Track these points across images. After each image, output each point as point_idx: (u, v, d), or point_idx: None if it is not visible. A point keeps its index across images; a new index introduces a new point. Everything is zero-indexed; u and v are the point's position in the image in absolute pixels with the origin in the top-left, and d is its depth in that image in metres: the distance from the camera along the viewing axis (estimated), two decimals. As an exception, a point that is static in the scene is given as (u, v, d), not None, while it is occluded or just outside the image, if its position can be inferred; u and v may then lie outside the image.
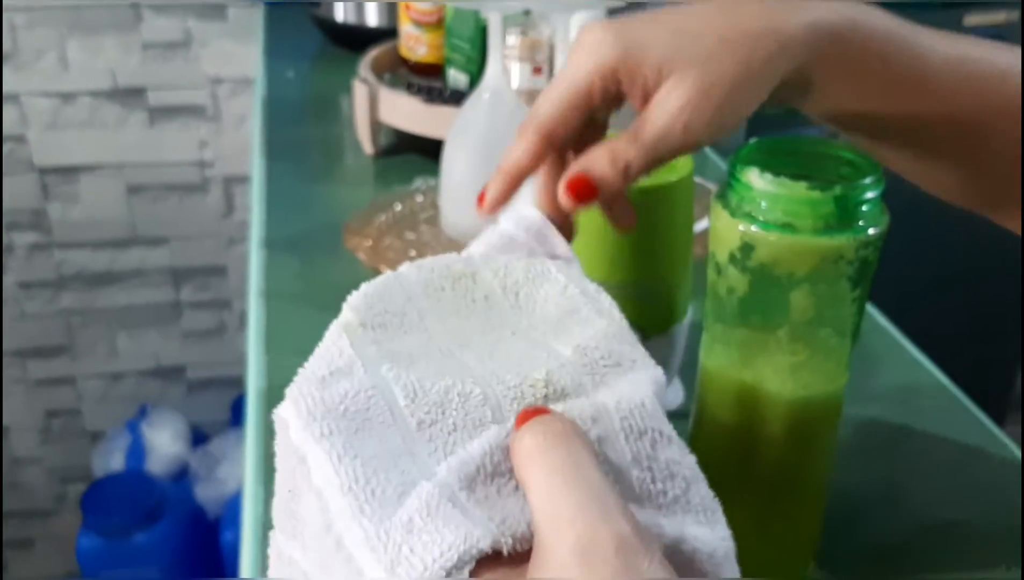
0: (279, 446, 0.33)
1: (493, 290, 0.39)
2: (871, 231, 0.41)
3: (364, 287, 0.37)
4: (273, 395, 0.62)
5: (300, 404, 0.32)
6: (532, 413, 0.30)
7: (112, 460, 1.64)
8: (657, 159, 0.41)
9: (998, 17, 1.27)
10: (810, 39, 0.41)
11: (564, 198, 0.41)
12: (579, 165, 0.41)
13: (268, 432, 0.60)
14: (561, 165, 0.44)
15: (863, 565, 0.52)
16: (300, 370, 0.35)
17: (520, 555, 0.27)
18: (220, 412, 1.77)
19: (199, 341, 1.78)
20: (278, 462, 0.33)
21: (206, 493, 1.57)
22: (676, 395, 0.62)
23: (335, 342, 0.35)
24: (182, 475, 1.61)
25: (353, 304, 0.36)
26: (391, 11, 1.23)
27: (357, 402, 0.32)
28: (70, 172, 1.59)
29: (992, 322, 1.56)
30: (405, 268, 0.39)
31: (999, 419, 1.65)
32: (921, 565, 0.53)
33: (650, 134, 0.40)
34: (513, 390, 0.33)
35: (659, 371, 0.38)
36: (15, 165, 1.57)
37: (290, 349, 0.65)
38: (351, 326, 0.35)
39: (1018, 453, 0.61)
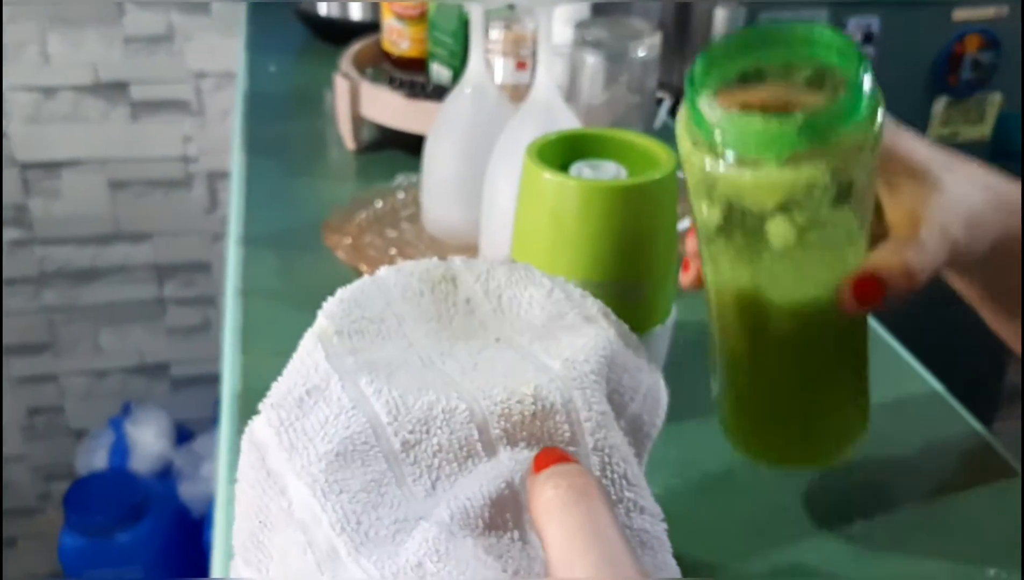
0: (249, 468, 0.32)
1: (475, 293, 0.38)
2: (851, 147, 0.36)
3: (340, 293, 0.36)
4: (249, 397, 0.61)
5: (282, 435, 0.31)
6: (552, 458, 0.30)
7: (95, 458, 1.63)
8: (934, 270, 0.44)
9: (987, 12, 1.26)
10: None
11: (848, 300, 0.41)
12: (872, 266, 0.42)
13: (243, 433, 0.59)
14: None
15: (856, 569, 0.51)
16: (274, 384, 0.33)
17: None
18: (204, 410, 1.76)
19: (183, 338, 1.77)
20: (245, 486, 0.32)
21: (190, 491, 1.56)
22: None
23: (310, 354, 0.33)
24: (166, 473, 1.60)
25: (328, 311, 0.35)
26: (375, 5, 1.22)
27: (338, 425, 0.31)
28: (52, 167, 1.58)
29: (979, 316, 1.56)
30: (383, 272, 0.38)
31: (989, 413, 1.65)
32: (912, 569, 0.52)
33: (937, 241, 0.44)
34: (500, 406, 0.32)
35: (659, 380, 0.38)
36: (-5, 160, 1.55)
37: (267, 350, 0.64)
38: (326, 335, 0.34)
39: (1007, 457, 0.61)
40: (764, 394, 0.47)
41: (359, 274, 0.73)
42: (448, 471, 0.31)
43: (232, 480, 0.55)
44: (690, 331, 0.57)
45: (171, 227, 1.66)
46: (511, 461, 0.31)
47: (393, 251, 0.75)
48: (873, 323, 0.74)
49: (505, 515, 0.30)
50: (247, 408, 0.60)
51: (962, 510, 0.56)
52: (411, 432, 0.31)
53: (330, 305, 0.35)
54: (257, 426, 0.32)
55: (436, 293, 0.37)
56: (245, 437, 0.33)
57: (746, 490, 0.56)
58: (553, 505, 0.28)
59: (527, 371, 0.33)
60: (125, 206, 1.63)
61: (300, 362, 0.33)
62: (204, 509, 1.55)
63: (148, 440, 1.61)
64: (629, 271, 0.53)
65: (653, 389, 0.38)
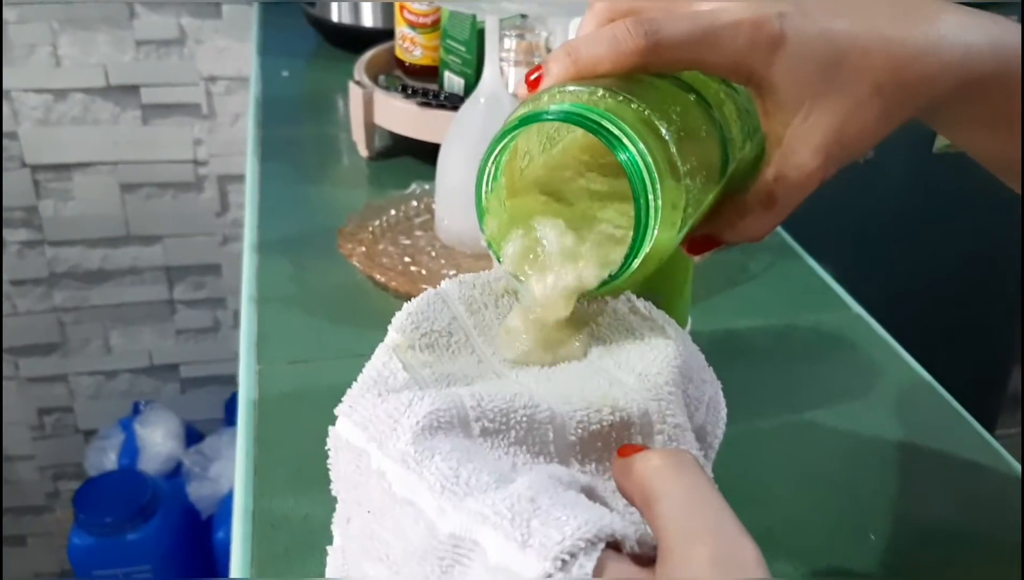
0: (353, 471, 0.32)
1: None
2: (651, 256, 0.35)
3: (407, 307, 0.37)
4: (265, 406, 0.61)
5: (368, 428, 0.32)
6: (634, 448, 0.32)
7: (105, 458, 1.64)
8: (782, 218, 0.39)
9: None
10: (956, 94, 0.38)
11: (686, 249, 0.41)
12: (709, 229, 0.40)
13: (259, 442, 0.59)
14: None
15: (860, 574, 0.52)
16: (349, 391, 0.34)
17: (635, 557, 0.28)
18: (214, 410, 1.77)
19: (193, 339, 1.77)
20: (347, 489, 0.33)
21: (199, 492, 1.56)
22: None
23: (386, 365, 0.34)
24: (175, 473, 1.60)
25: (398, 325, 0.36)
26: (387, 12, 1.22)
27: (423, 403, 0.31)
28: (63, 169, 1.58)
29: (984, 322, 1.56)
30: (445, 285, 0.38)
31: (991, 420, 1.65)
32: (915, 567, 0.52)
33: (783, 196, 0.38)
34: (580, 413, 0.32)
35: (719, 390, 0.39)
36: (6, 162, 1.55)
37: (283, 357, 0.64)
38: (400, 349, 0.35)
39: (1014, 465, 0.61)
40: None
41: (373, 282, 0.73)
42: (523, 460, 0.32)
43: (247, 488, 0.56)
44: (705, 341, 0.57)
45: (181, 229, 1.67)
46: (582, 474, 0.32)
47: (407, 259, 0.75)
48: (877, 328, 0.75)
49: (598, 496, 0.31)
50: (264, 415, 0.60)
51: (964, 515, 0.57)
52: (491, 421, 0.31)
53: (399, 319, 0.36)
54: (342, 430, 0.33)
55: (499, 307, 0.38)
56: (334, 448, 0.33)
57: (760, 499, 0.57)
58: (665, 470, 0.29)
59: (601, 385, 0.34)
60: (135, 208, 1.64)
61: (376, 371, 0.34)
62: (213, 509, 1.55)
63: (157, 440, 1.61)
64: (645, 283, 0.53)
65: (715, 399, 0.38)
